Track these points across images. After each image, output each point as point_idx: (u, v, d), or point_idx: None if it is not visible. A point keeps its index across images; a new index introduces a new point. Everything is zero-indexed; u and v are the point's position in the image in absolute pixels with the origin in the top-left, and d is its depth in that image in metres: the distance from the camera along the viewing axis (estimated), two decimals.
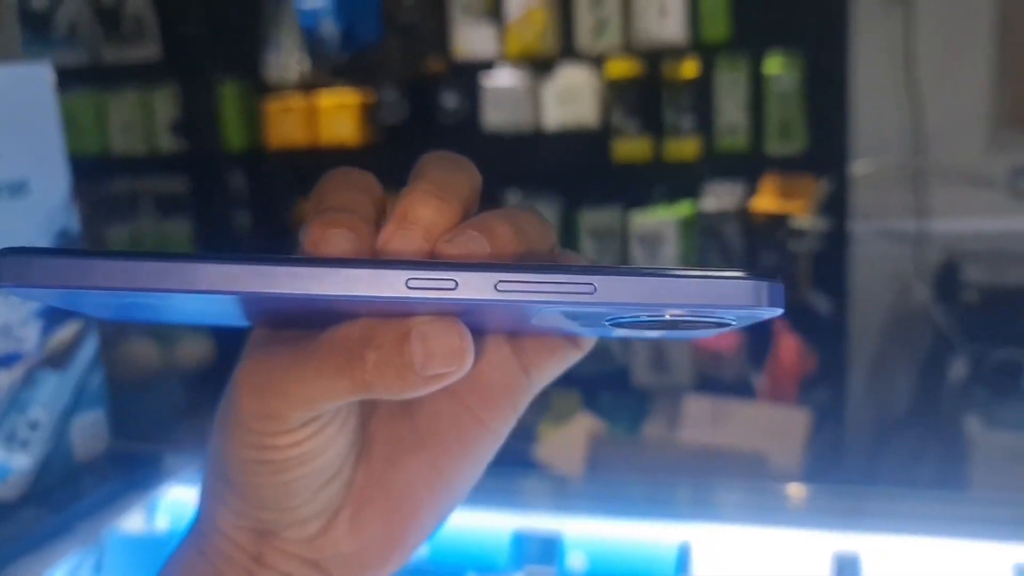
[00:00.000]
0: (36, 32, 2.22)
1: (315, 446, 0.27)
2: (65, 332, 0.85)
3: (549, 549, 0.77)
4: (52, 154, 0.82)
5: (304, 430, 0.26)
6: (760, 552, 0.75)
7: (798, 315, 1.89)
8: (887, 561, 0.72)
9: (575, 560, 0.77)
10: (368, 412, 0.30)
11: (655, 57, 1.94)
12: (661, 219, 1.97)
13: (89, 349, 0.87)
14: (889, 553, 0.72)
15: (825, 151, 1.88)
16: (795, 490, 0.79)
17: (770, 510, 0.77)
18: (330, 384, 0.25)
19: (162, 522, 0.85)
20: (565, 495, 0.87)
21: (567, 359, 0.29)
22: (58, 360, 0.84)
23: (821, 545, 0.73)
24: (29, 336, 0.78)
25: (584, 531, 0.78)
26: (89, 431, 0.87)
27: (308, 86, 2.15)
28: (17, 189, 0.75)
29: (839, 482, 1.82)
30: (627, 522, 0.78)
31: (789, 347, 1.87)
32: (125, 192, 2.34)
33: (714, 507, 0.79)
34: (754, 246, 1.93)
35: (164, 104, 2.26)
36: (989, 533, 0.71)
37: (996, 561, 0.70)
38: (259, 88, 2.19)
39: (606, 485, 0.87)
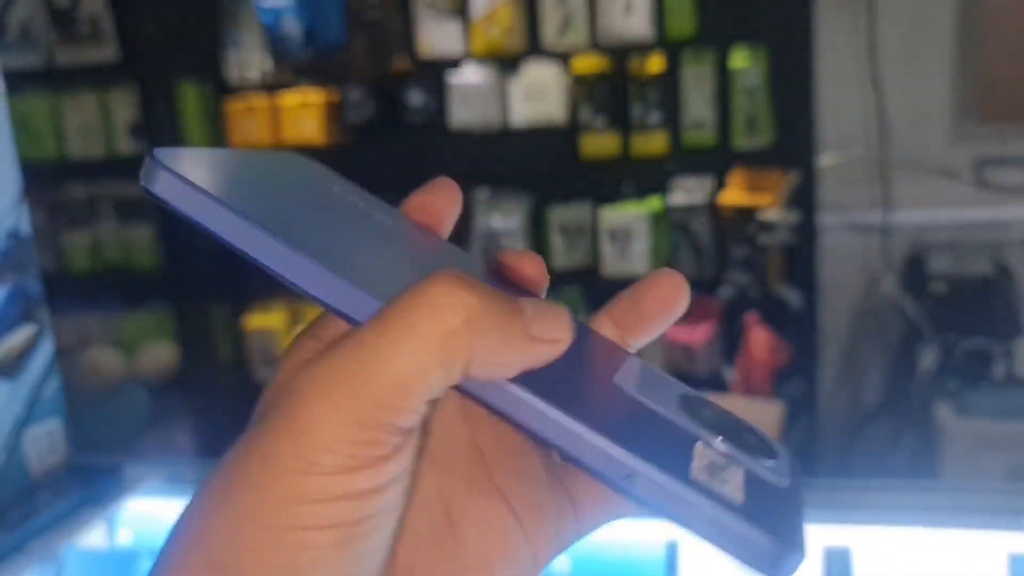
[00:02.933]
0: None
1: (390, 500, 0.22)
2: (16, 338, 0.82)
3: None
4: (0, 155, 0.78)
5: (389, 465, 0.22)
6: None
7: (768, 308, 1.89)
8: (879, 555, 0.70)
9: (559, 563, 0.75)
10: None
11: (621, 53, 1.93)
12: (631, 214, 1.96)
13: (43, 356, 0.83)
14: (881, 546, 0.71)
15: (792, 145, 1.88)
16: None
17: None
18: (446, 344, 0.22)
19: (124, 536, 0.82)
20: None
21: (618, 509, 0.28)
22: (9, 368, 0.80)
23: (811, 540, 0.72)
24: None
25: None
26: (44, 443, 0.83)
27: (271, 86, 2.12)
28: None
29: (814, 474, 1.82)
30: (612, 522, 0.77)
31: (760, 340, 1.87)
32: (83, 197, 2.28)
33: None
34: (723, 240, 1.92)
35: (122, 106, 2.21)
36: (982, 522, 0.70)
37: (990, 550, 0.69)
38: (220, 88, 2.14)
39: None
